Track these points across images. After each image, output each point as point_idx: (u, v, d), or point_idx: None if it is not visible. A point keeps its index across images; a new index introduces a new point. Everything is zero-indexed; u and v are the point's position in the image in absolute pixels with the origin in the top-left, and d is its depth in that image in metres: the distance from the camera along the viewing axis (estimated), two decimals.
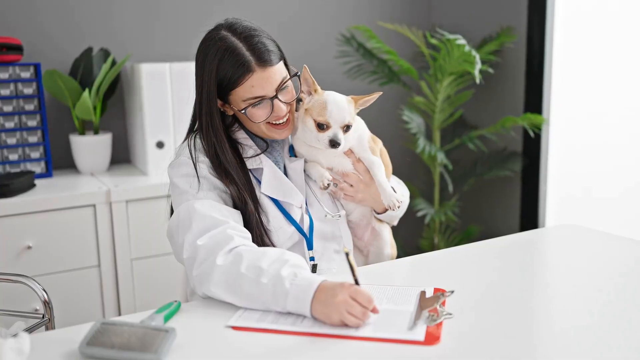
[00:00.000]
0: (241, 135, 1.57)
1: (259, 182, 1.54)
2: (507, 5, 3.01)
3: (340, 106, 1.51)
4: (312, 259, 1.57)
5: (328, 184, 1.56)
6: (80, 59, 2.62)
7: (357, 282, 1.22)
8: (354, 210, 1.66)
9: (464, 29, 3.18)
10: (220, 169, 1.48)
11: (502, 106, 3.10)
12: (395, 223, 1.74)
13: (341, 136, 1.51)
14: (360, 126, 1.62)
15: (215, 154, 1.49)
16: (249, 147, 1.55)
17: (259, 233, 1.49)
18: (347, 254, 1.21)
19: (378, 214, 1.67)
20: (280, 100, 1.49)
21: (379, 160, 1.61)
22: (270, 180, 1.54)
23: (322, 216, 1.60)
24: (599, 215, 2.78)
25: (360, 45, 3.05)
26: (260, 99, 1.47)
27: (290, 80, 1.53)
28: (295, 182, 1.58)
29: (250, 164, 1.53)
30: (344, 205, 1.64)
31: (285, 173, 1.60)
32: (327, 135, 1.50)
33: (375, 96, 1.54)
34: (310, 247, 1.57)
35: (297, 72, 1.54)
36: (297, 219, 1.56)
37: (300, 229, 1.55)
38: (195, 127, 1.57)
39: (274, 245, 1.51)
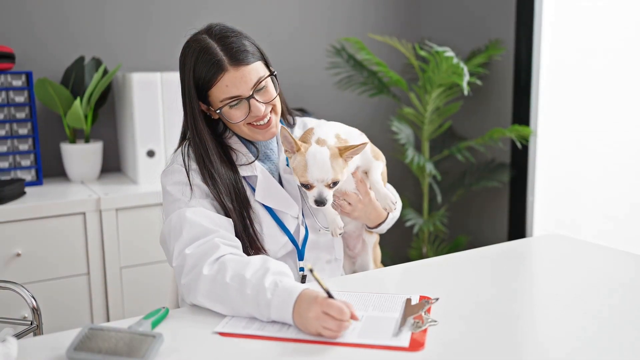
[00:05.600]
0: (234, 142, 1.57)
1: (254, 189, 1.54)
2: (496, 18, 3.05)
3: (321, 165, 1.44)
4: (301, 269, 1.58)
5: (340, 234, 1.57)
6: (71, 68, 2.63)
7: (329, 295, 1.21)
8: (349, 223, 1.67)
9: (453, 41, 3.22)
10: (204, 171, 1.49)
11: (490, 118, 3.14)
12: (384, 231, 1.75)
13: (326, 194, 1.45)
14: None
15: (201, 157, 1.50)
16: (242, 155, 1.56)
17: (248, 240, 1.49)
18: (310, 271, 1.20)
19: (369, 227, 1.69)
20: (257, 100, 1.47)
21: (378, 164, 1.62)
22: (264, 188, 1.54)
23: (317, 229, 1.61)
24: (586, 226, 2.80)
25: (350, 57, 3.07)
26: (237, 99, 1.46)
27: (270, 80, 1.51)
28: (290, 192, 1.58)
29: (244, 171, 1.54)
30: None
31: (281, 183, 1.60)
32: (312, 195, 1.46)
33: (360, 147, 1.46)
34: (300, 258, 1.58)
35: (274, 72, 1.53)
36: (292, 229, 1.56)
37: (292, 239, 1.56)
38: (188, 134, 1.58)
39: (265, 251, 1.52)
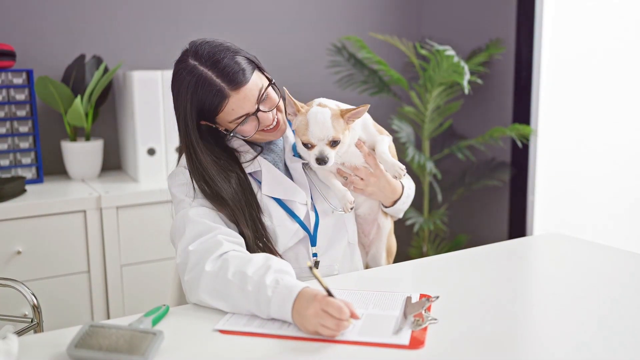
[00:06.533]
0: (237, 143, 1.58)
1: (260, 183, 1.55)
2: (496, 17, 3.05)
3: (322, 123, 1.47)
4: (314, 255, 1.59)
5: (351, 208, 1.57)
6: (72, 66, 2.63)
7: (329, 293, 1.21)
8: (363, 203, 1.67)
9: (454, 40, 3.22)
10: (212, 196, 1.47)
11: (491, 117, 3.14)
12: (400, 215, 1.74)
13: (328, 152, 1.48)
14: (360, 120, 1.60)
15: (204, 181, 1.49)
16: (246, 153, 1.57)
17: (263, 246, 1.50)
18: (310, 268, 1.20)
19: (386, 207, 1.69)
20: (263, 111, 1.48)
21: (383, 138, 1.62)
22: (270, 181, 1.55)
23: (330, 212, 1.61)
24: (586, 225, 2.80)
25: (351, 56, 3.08)
26: (245, 117, 1.47)
27: (269, 88, 1.51)
28: (297, 180, 1.59)
29: (249, 168, 1.55)
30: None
31: (289, 173, 1.61)
32: (313, 153, 1.49)
33: (361, 109, 1.50)
34: (313, 244, 1.58)
35: (272, 81, 1.53)
36: (302, 216, 1.56)
37: (304, 226, 1.56)
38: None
39: (277, 249, 1.52)
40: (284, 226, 1.54)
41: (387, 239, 1.74)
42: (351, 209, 1.58)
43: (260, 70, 1.52)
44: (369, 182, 1.61)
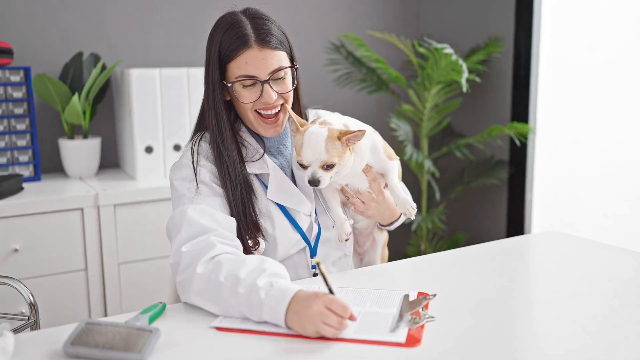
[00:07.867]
0: (244, 134, 1.56)
1: (266, 187, 1.54)
2: (495, 15, 3.05)
3: (315, 146, 1.42)
4: (313, 267, 1.58)
5: (346, 240, 1.56)
6: (70, 64, 2.63)
7: (331, 291, 1.20)
8: (361, 220, 1.67)
9: (452, 38, 3.22)
10: (214, 144, 1.49)
11: (489, 115, 3.13)
12: (393, 228, 1.75)
13: (320, 175, 1.44)
14: (369, 140, 1.56)
15: (213, 131, 1.50)
16: (252, 149, 1.55)
17: (246, 222, 1.48)
18: (317, 264, 1.20)
19: (382, 226, 1.69)
20: (271, 87, 1.47)
21: (394, 165, 1.59)
22: (276, 186, 1.53)
23: (330, 226, 1.60)
24: (585, 223, 2.80)
25: (349, 54, 3.07)
26: (252, 80, 1.46)
27: (290, 73, 1.51)
28: (304, 189, 1.57)
29: (256, 169, 1.53)
30: (353, 216, 1.65)
31: (294, 180, 1.59)
32: (306, 174, 1.46)
33: (358, 133, 1.43)
34: (313, 256, 1.57)
35: (296, 65, 1.53)
36: (305, 226, 1.55)
37: (305, 237, 1.55)
38: (202, 125, 1.57)
39: (263, 237, 1.51)
40: (285, 235, 1.52)
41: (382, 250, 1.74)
42: (346, 240, 1.56)
43: (291, 58, 1.53)
44: (369, 207, 1.60)
